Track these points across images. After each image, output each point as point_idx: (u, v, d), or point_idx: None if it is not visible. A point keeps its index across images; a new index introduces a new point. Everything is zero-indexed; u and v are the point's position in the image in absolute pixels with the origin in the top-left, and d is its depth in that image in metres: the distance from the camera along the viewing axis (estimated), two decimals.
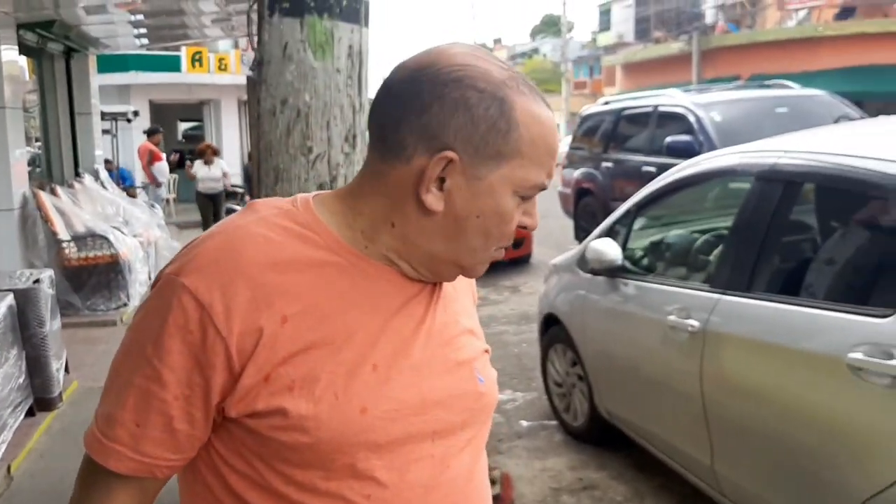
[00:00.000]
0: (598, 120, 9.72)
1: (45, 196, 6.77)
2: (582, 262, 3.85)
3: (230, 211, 10.27)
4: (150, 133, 12.89)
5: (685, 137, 7.26)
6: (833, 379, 2.25)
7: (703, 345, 2.79)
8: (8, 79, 6.23)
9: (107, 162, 10.58)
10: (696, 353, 2.82)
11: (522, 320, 6.74)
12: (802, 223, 3.25)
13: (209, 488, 0.95)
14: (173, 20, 8.38)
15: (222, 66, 17.13)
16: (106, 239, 6.77)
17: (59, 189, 7.32)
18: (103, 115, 10.76)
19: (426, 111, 0.89)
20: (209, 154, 11.41)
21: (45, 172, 8.59)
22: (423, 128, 0.90)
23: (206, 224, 11.27)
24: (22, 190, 6.47)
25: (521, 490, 3.57)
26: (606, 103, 10.09)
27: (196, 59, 16.57)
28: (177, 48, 15.66)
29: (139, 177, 13.43)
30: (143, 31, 9.15)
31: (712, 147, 6.19)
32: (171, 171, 13.93)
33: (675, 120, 7.76)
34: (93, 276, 6.70)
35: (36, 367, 4.33)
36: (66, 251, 6.62)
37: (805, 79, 12.50)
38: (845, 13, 22.28)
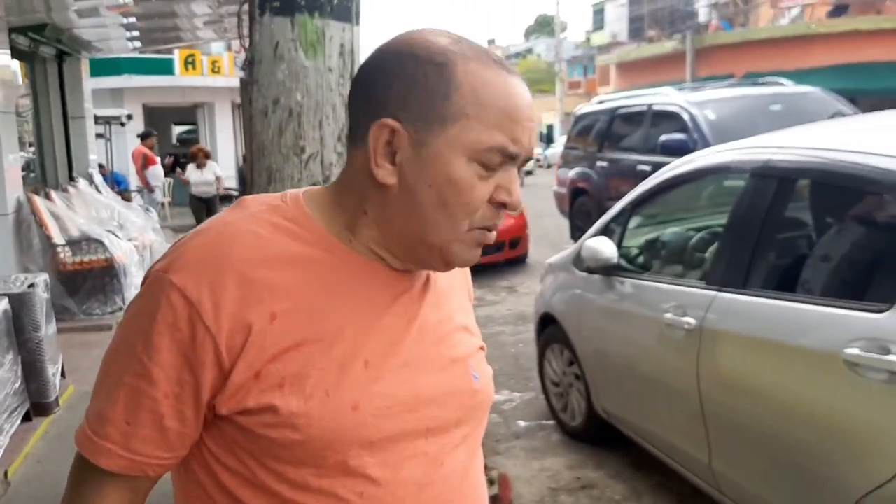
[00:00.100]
0: (592, 119, 9.71)
1: (39, 200, 6.75)
2: (578, 261, 3.85)
3: None
4: (143, 136, 12.88)
5: (679, 136, 7.24)
6: (830, 375, 2.25)
7: (699, 342, 2.78)
8: (0, 83, 6.22)
9: (100, 166, 10.55)
10: (692, 351, 2.81)
11: (519, 320, 6.73)
12: (797, 219, 3.24)
13: (202, 486, 0.94)
14: (166, 23, 8.37)
15: (215, 69, 17.13)
16: (101, 243, 6.75)
17: (53, 193, 7.29)
18: (97, 119, 10.75)
19: (371, 88, 0.91)
20: (201, 157, 11.41)
21: (40, 177, 8.58)
22: (369, 105, 0.91)
23: None
24: (16, 194, 6.46)
25: (520, 490, 3.56)
26: (601, 102, 10.08)
27: (189, 62, 16.57)
28: (170, 51, 15.67)
29: (133, 181, 13.41)
30: (135, 34, 9.13)
31: (706, 145, 6.17)
32: (166, 174, 13.91)
33: (669, 118, 7.75)
34: (88, 281, 6.67)
35: (32, 372, 4.31)
36: (61, 255, 6.59)
37: (799, 76, 12.49)
38: (838, 10, 22.35)
